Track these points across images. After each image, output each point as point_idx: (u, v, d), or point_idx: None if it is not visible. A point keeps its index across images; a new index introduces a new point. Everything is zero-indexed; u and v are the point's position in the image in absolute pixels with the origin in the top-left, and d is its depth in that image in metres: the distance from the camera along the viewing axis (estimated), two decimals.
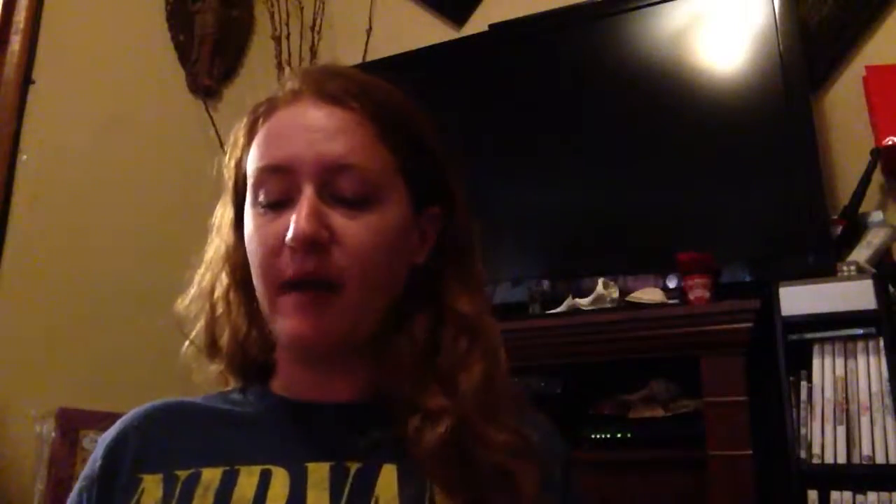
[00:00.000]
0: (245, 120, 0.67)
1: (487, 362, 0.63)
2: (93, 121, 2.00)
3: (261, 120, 0.65)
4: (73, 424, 1.65)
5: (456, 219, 0.68)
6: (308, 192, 0.59)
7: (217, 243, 0.69)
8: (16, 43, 1.87)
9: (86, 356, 1.86)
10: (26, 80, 1.87)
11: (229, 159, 0.68)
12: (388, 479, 0.58)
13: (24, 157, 1.84)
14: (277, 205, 0.61)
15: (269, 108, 0.65)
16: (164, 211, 2.09)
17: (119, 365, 1.89)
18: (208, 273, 0.69)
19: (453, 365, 0.62)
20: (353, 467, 0.59)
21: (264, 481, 0.58)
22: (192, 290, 0.70)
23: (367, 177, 0.61)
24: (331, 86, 0.63)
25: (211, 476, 0.58)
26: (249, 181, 0.63)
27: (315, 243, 0.58)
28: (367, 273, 0.60)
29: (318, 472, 0.58)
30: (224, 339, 0.67)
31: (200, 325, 0.68)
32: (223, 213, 0.69)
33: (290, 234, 0.58)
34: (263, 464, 0.59)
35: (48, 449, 1.61)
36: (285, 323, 0.59)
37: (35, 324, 1.79)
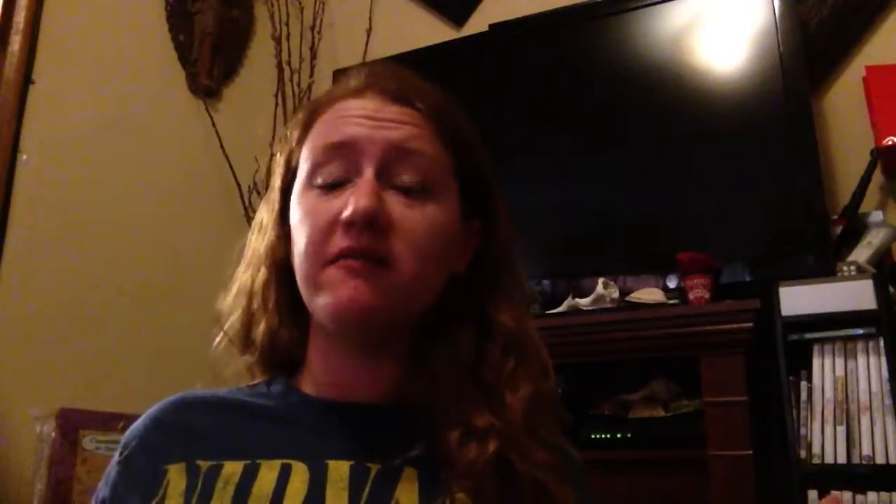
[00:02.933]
0: (300, 116, 0.67)
1: (535, 381, 0.63)
2: (93, 121, 2.00)
3: (319, 111, 0.65)
4: (73, 424, 1.65)
5: (499, 233, 0.68)
6: (368, 174, 0.60)
7: (258, 240, 0.69)
8: (16, 43, 1.86)
9: (86, 356, 1.85)
10: (26, 80, 1.87)
11: (279, 155, 0.68)
12: (409, 482, 0.58)
13: (24, 157, 1.84)
14: (336, 184, 0.61)
15: (329, 99, 0.65)
16: (163, 211, 2.09)
17: (119, 365, 1.89)
18: (249, 269, 0.69)
19: (500, 383, 0.61)
20: (374, 468, 0.58)
21: (284, 476, 0.57)
22: (233, 287, 0.69)
23: (427, 166, 0.62)
24: (394, 85, 0.64)
25: (232, 469, 0.58)
26: (306, 164, 0.63)
27: (373, 221, 0.58)
28: (418, 259, 0.60)
29: (338, 471, 0.58)
30: (258, 331, 0.67)
31: (235, 317, 0.68)
32: (266, 211, 0.69)
33: (348, 210, 0.58)
34: (284, 458, 0.59)
35: (48, 449, 1.61)
36: (330, 293, 0.58)
37: (35, 324, 1.79)
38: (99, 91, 2.03)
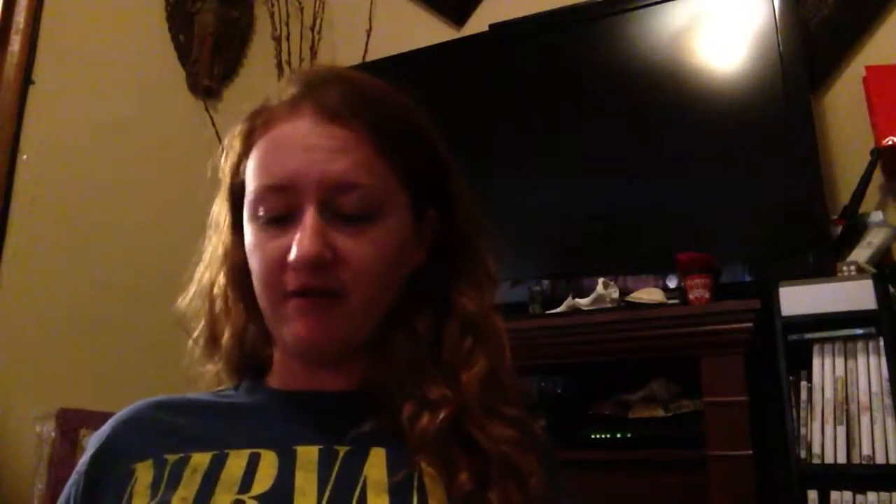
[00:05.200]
0: (241, 126, 0.67)
1: (491, 359, 0.64)
2: (93, 121, 2.00)
3: (258, 130, 0.64)
4: (73, 424, 1.65)
5: (456, 218, 0.68)
6: (310, 212, 0.59)
7: (215, 242, 0.69)
8: (16, 43, 1.87)
9: (86, 356, 1.86)
10: (26, 80, 1.87)
11: (225, 161, 0.68)
12: (376, 461, 0.59)
13: (24, 157, 1.84)
14: (279, 221, 0.61)
15: (267, 118, 0.64)
16: (164, 211, 2.09)
17: (119, 365, 1.89)
18: (207, 271, 0.69)
19: (456, 361, 0.63)
20: (342, 450, 0.59)
21: (252, 463, 0.58)
22: (193, 288, 0.70)
23: (368, 194, 0.61)
24: (330, 98, 0.63)
25: (200, 459, 0.59)
26: (249, 196, 0.63)
27: (318, 264, 0.58)
28: (370, 286, 0.61)
29: (307, 455, 0.59)
30: (223, 336, 0.68)
31: (201, 322, 0.69)
32: (220, 212, 0.69)
33: (293, 255, 0.58)
34: (252, 448, 0.60)
35: (48, 449, 1.62)
36: (290, 327, 0.60)
37: (35, 324, 1.79)
38: (99, 91, 2.03)
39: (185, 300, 0.70)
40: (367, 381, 0.64)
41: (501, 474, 0.58)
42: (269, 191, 0.61)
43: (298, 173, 0.60)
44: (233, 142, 0.67)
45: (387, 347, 0.64)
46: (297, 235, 0.59)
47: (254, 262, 0.63)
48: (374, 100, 0.65)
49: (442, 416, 0.59)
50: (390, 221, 0.62)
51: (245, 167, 0.65)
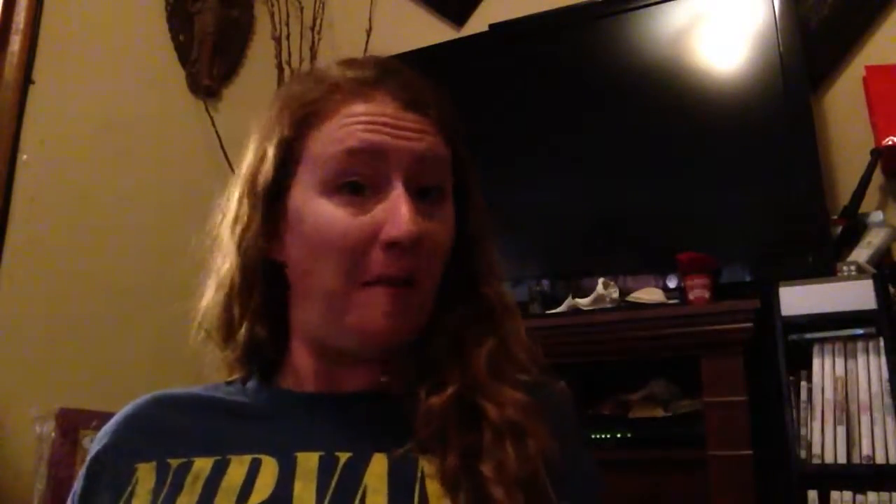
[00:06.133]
0: (294, 111, 0.64)
1: (500, 336, 0.64)
2: (93, 121, 2.00)
3: (322, 111, 0.62)
4: (73, 424, 1.65)
5: (473, 212, 0.68)
6: (399, 188, 0.59)
7: (236, 231, 0.66)
8: (16, 43, 1.87)
9: (86, 356, 1.86)
10: (26, 80, 1.87)
11: (269, 138, 0.64)
12: (377, 468, 0.58)
13: (24, 157, 1.84)
14: (357, 191, 0.60)
15: (332, 99, 0.63)
16: (164, 211, 2.09)
17: (119, 365, 1.89)
18: (226, 262, 0.67)
19: (469, 346, 0.63)
20: (343, 457, 0.59)
21: (253, 470, 0.58)
22: (210, 279, 0.68)
23: (443, 174, 0.64)
24: (404, 87, 0.64)
25: (202, 465, 0.59)
26: (318, 168, 0.61)
27: (416, 245, 0.58)
28: (434, 273, 0.62)
29: (307, 463, 0.58)
30: (240, 331, 0.67)
31: (215, 314, 0.68)
32: (244, 202, 0.65)
33: (397, 232, 0.58)
34: (254, 453, 0.59)
35: (48, 449, 1.61)
36: (367, 317, 0.59)
37: (35, 324, 1.79)
38: (99, 91, 2.03)
39: (204, 292, 0.69)
40: (387, 377, 0.63)
41: (497, 443, 0.57)
42: (350, 156, 0.60)
43: (385, 143, 0.60)
44: (280, 126, 0.64)
45: (419, 343, 0.63)
46: (393, 212, 0.58)
47: (319, 243, 0.60)
48: (436, 95, 0.67)
49: (449, 392, 0.59)
50: (450, 207, 0.64)
51: (299, 154, 0.62)
